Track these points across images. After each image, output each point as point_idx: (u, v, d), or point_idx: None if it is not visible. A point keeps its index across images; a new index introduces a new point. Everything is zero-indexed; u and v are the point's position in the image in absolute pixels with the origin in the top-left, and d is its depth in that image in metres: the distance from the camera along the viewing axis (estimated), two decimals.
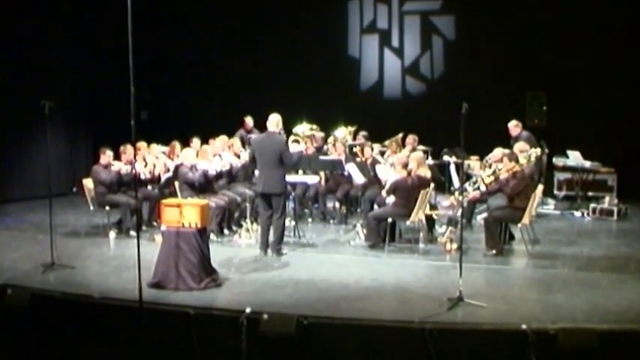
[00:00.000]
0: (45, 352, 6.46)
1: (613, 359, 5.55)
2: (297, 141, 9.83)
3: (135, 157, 7.18)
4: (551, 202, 11.72)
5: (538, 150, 9.36)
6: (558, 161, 11.80)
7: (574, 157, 11.61)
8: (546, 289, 6.90)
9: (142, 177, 9.50)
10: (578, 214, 10.98)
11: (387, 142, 10.99)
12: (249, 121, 12.24)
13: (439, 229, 9.43)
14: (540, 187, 9.13)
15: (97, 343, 6.29)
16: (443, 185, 10.70)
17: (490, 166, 9.07)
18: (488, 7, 12.88)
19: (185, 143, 10.23)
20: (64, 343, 6.40)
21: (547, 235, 9.42)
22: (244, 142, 11.15)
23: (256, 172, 8.63)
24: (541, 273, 7.58)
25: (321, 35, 13.73)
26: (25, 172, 12.18)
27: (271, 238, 8.26)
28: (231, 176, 10.00)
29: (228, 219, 9.36)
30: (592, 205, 10.94)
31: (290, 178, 9.23)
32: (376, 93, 13.97)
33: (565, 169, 11.91)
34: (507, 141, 10.36)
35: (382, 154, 10.70)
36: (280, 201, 8.25)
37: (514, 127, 10.77)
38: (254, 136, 11.41)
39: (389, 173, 9.11)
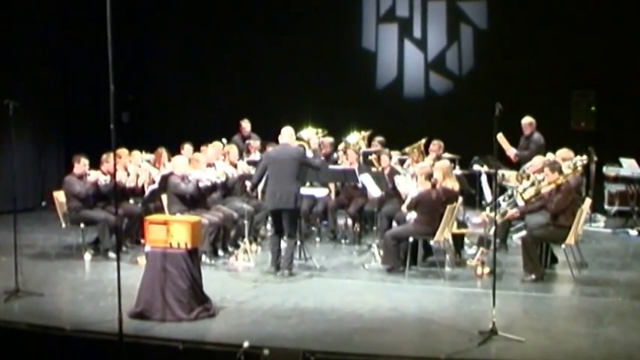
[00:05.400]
0: None
1: None
2: (302, 147, 9.86)
3: (115, 167, 7.16)
4: (601, 218, 11.70)
5: (584, 157, 9.36)
6: (609, 171, 11.79)
7: (628, 166, 11.59)
8: (596, 321, 6.87)
9: (126, 185, 9.55)
10: (633, 232, 10.97)
11: (407, 149, 11.02)
12: (245, 125, 12.29)
13: (468, 250, 9.44)
14: (588, 202, 9.11)
15: None
16: (473, 199, 10.70)
17: (528, 177, 9.07)
18: None
19: (173, 150, 10.29)
20: None
21: (596, 257, 9.40)
22: (241, 150, 11.19)
23: (256, 185, 8.84)
24: (589, 302, 7.55)
25: (330, 25, 13.78)
26: None
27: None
28: (226, 189, 10.03)
29: (223, 238, 9.39)
30: None
31: None
32: (395, 92, 14.00)
33: (618, 179, 11.88)
34: (550, 148, 10.35)
35: (402, 163, 10.71)
36: (292, 218, 8.53)
37: (528, 124, 10.89)
38: (251, 141, 11.51)
39: (410, 185, 9.12)
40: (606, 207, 12.01)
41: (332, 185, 10.61)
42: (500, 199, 9.01)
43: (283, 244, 8.65)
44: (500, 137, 10.55)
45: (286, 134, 8.78)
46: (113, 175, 7.42)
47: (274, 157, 8.68)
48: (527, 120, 10.93)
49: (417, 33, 13.94)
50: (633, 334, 6.44)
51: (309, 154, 9.01)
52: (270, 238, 8.92)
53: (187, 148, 10.41)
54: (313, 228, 10.77)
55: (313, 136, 10.34)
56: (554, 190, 8.32)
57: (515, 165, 10.64)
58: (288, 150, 8.68)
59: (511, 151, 10.84)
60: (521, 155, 10.70)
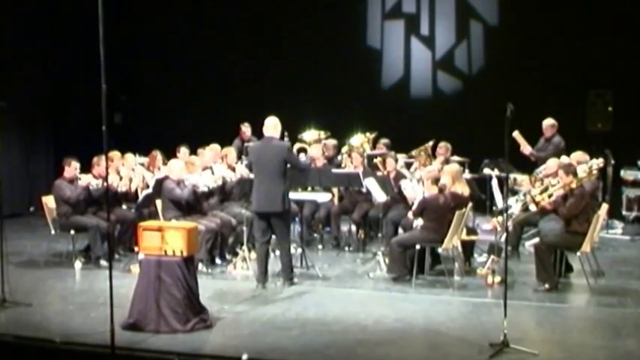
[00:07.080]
0: None
1: None
2: (304, 149, 9.88)
3: (107, 170, 7.17)
4: (618, 224, 11.69)
5: (600, 160, 9.37)
6: (627, 174, 11.77)
7: None
8: (613, 333, 6.88)
9: (119, 190, 9.55)
10: None
11: (414, 152, 11.03)
12: (246, 129, 12.32)
13: (478, 258, 9.44)
14: (605, 207, 9.11)
15: None
16: (483, 204, 10.71)
17: (542, 181, 9.07)
18: None
19: (169, 153, 10.30)
20: None
21: (614, 265, 9.40)
22: (241, 153, 11.20)
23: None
24: (606, 313, 7.56)
25: (334, 21, 13.80)
26: None
27: (271, 267, 8.38)
28: (224, 194, 10.05)
29: (220, 245, 9.40)
30: None
31: (296, 195, 9.27)
32: (401, 91, 14.02)
33: (636, 184, 11.86)
34: (565, 151, 10.35)
35: (408, 166, 10.73)
36: (282, 222, 8.36)
37: (550, 126, 10.89)
38: (251, 143, 11.51)
39: (417, 190, 9.13)
40: (624, 212, 11.97)
41: (335, 190, 10.61)
42: (512, 200, 8.98)
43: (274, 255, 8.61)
44: (517, 135, 10.57)
45: (271, 125, 8.35)
46: (105, 179, 7.44)
47: (257, 156, 8.36)
48: (549, 122, 10.92)
49: (424, 30, 13.95)
50: None
51: (302, 156, 8.79)
52: (257, 248, 8.50)
53: (183, 151, 10.44)
54: (315, 235, 10.78)
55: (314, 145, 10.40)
56: (567, 194, 8.32)
57: (529, 167, 10.61)
58: (271, 146, 8.29)
59: (527, 149, 10.82)
60: (538, 156, 10.68)
